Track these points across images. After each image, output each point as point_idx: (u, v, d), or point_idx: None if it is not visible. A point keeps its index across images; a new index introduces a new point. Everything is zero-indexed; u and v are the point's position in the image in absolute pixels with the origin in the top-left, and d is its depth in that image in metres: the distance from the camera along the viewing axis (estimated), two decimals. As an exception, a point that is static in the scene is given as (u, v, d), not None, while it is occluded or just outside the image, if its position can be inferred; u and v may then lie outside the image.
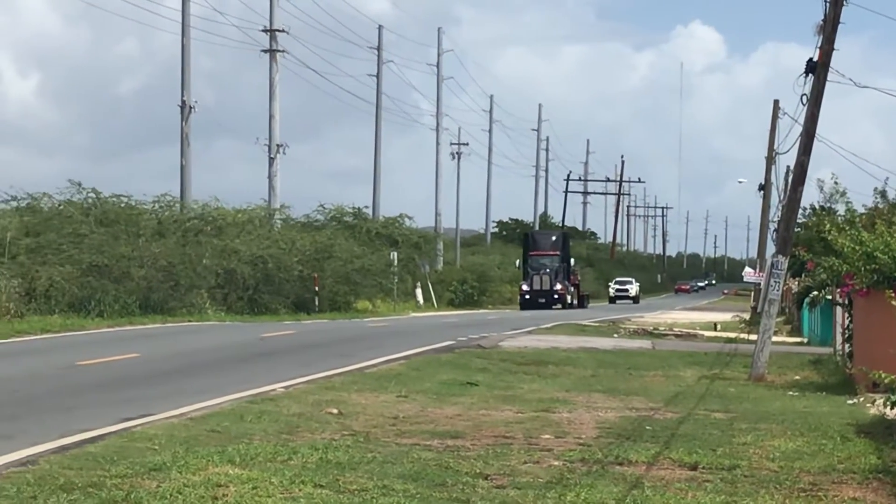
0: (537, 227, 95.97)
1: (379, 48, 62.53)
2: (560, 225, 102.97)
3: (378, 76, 62.44)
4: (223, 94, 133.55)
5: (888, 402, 9.40)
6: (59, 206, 35.67)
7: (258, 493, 6.08)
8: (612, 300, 77.05)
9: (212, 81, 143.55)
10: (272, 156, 47.37)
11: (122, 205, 36.75)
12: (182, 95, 41.80)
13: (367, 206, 58.59)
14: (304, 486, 6.38)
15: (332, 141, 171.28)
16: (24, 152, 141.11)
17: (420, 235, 59.89)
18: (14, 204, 35.12)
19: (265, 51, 47.66)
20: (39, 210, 35.44)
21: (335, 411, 10.75)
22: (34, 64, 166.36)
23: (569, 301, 52.83)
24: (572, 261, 57.57)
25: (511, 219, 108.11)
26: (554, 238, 57.58)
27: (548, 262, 53.20)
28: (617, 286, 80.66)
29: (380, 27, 63.74)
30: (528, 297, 51.40)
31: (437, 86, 71.74)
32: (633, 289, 79.95)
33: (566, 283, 52.73)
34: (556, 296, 51.15)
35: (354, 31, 61.95)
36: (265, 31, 47.38)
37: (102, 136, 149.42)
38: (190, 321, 31.52)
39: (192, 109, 41.90)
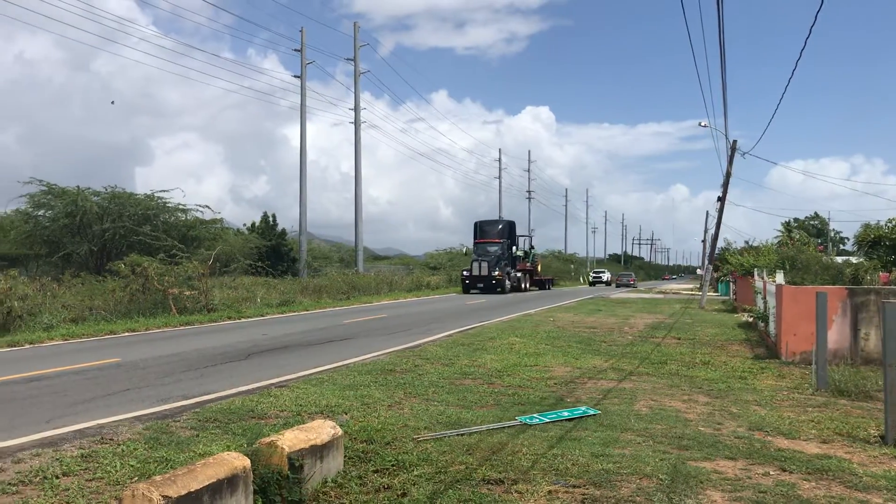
0: None
1: None
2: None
3: None
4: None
5: (749, 315, 24.73)
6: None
7: (527, 345, 19.92)
8: (592, 284, 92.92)
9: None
10: None
11: None
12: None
13: None
14: (541, 343, 20.34)
15: None
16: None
17: None
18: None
19: None
20: None
21: (552, 318, 26.17)
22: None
23: (509, 287, 52.22)
24: (516, 249, 56.68)
25: None
26: (500, 227, 55.81)
27: (492, 248, 53.03)
28: (594, 275, 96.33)
29: None
30: (467, 281, 51.57)
31: None
32: (605, 276, 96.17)
33: (509, 269, 52.61)
34: (493, 281, 50.54)
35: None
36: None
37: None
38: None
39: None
